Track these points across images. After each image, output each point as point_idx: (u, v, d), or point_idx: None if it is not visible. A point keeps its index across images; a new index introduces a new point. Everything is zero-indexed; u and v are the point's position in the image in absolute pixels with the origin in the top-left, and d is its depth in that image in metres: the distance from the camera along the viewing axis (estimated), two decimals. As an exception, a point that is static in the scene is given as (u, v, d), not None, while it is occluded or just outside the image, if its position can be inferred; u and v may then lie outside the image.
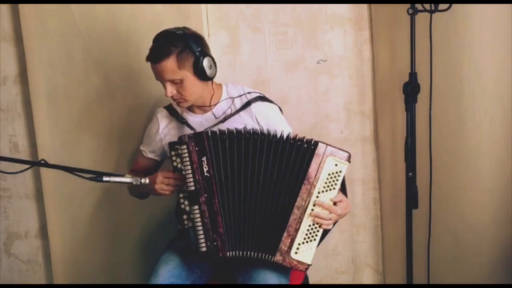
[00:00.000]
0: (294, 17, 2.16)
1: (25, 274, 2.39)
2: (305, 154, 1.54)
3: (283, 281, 1.59)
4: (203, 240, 1.57)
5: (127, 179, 1.56)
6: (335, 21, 2.16)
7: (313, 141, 1.55)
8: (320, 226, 1.56)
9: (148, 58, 1.62)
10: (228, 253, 1.57)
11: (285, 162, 1.55)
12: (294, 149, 1.55)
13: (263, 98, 1.76)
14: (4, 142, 2.28)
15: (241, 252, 1.57)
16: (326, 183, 1.54)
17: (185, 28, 1.65)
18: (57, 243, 2.25)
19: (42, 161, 1.50)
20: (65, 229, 2.24)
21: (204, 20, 2.16)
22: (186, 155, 1.57)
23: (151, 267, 1.67)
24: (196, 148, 1.56)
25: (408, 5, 1.70)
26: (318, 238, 1.56)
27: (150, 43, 1.64)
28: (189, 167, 1.57)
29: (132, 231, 2.22)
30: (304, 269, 1.57)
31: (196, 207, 1.57)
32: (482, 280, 1.91)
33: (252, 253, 1.57)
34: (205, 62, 1.62)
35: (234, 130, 1.58)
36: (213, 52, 2.18)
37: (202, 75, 1.62)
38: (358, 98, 2.21)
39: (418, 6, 1.71)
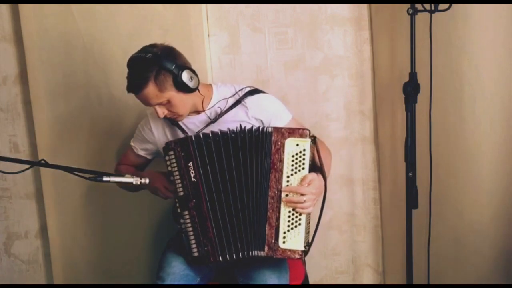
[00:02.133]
0: (294, 17, 2.16)
1: (25, 274, 2.39)
2: (263, 143, 1.53)
3: (283, 281, 1.59)
4: (194, 245, 1.58)
5: (127, 179, 1.56)
6: (335, 21, 2.16)
7: (265, 129, 1.54)
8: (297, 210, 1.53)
9: (129, 90, 1.58)
10: (218, 257, 1.57)
11: (249, 156, 1.54)
12: (253, 142, 1.54)
13: (252, 92, 1.73)
14: (4, 142, 2.28)
15: (233, 255, 1.57)
16: (292, 165, 1.53)
17: (153, 46, 1.59)
18: (57, 243, 2.26)
19: (42, 161, 1.50)
20: (65, 229, 2.24)
21: (204, 20, 2.16)
22: (174, 160, 1.57)
23: (151, 266, 1.67)
24: (182, 154, 1.56)
25: (408, 5, 1.70)
26: (303, 222, 1.53)
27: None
28: (177, 172, 1.57)
29: (132, 231, 2.22)
30: (299, 256, 1.54)
31: (186, 212, 1.58)
32: (482, 280, 1.90)
33: (245, 253, 1.56)
34: (185, 76, 1.56)
35: (219, 132, 1.57)
36: (213, 52, 2.20)
37: (186, 89, 1.58)
38: (358, 98, 2.21)
39: (418, 6, 1.71)
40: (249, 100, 1.71)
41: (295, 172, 1.53)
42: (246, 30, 2.18)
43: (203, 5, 2.15)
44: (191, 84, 1.58)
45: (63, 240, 2.25)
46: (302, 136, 1.52)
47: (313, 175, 1.54)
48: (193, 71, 1.60)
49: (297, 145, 1.53)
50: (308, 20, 2.16)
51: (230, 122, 1.68)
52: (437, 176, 1.90)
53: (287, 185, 1.53)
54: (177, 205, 1.60)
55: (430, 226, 1.90)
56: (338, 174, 2.24)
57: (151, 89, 1.54)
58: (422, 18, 1.73)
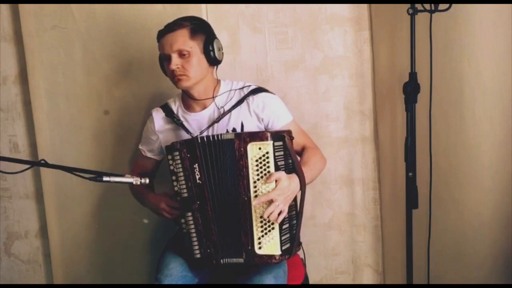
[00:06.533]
0: (294, 17, 2.16)
1: (25, 274, 2.39)
2: (227, 150, 1.53)
3: (280, 281, 1.58)
4: (197, 247, 1.59)
5: (127, 179, 1.56)
6: (335, 21, 2.15)
7: (226, 136, 1.53)
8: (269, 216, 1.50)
9: (161, 31, 1.66)
10: (221, 260, 1.57)
11: (224, 163, 1.54)
12: (224, 148, 1.54)
13: (255, 91, 1.74)
14: (4, 142, 2.28)
15: (233, 259, 1.57)
16: (257, 170, 1.51)
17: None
18: (57, 243, 2.26)
19: (42, 161, 1.50)
20: (65, 229, 2.24)
21: (204, 20, 2.16)
22: (179, 161, 1.58)
23: (151, 266, 1.67)
24: (188, 155, 1.57)
25: (408, 5, 1.70)
26: (276, 227, 1.52)
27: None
28: (181, 173, 1.58)
29: (131, 231, 2.22)
30: (276, 261, 1.52)
31: (190, 213, 1.59)
32: (482, 280, 1.90)
33: (234, 259, 1.57)
34: (215, 44, 1.67)
35: (219, 136, 1.56)
36: (213, 52, 2.20)
37: (209, 56, 1.66)
38: (358, 98, 2.21)
39: (418, 6, 1.71)
40: (252, 98, 1.72)
41: (261, 177, 1.51)
42: (246, 30, 2.18)
43: (203, 5, 2.15)
44: (217, 54, 1.67)
45: (63, 240, 2.25)
46: (263, 139, 1.50)
47: (280, 173, 1.51)
48: (221, 47, 1.73)
49: (260, 148, 1.51)
50: (308, 20, 2.16)
51: (234, 120, 1.69)
52: (437, 176, 1.90)
53: (255, 191, 1.51)
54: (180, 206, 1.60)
55: (430, 226, 1.90)
56: (338, 174, 2.24)
57: (183, 32, 1.64)
58: (422, 18, 1.73)
